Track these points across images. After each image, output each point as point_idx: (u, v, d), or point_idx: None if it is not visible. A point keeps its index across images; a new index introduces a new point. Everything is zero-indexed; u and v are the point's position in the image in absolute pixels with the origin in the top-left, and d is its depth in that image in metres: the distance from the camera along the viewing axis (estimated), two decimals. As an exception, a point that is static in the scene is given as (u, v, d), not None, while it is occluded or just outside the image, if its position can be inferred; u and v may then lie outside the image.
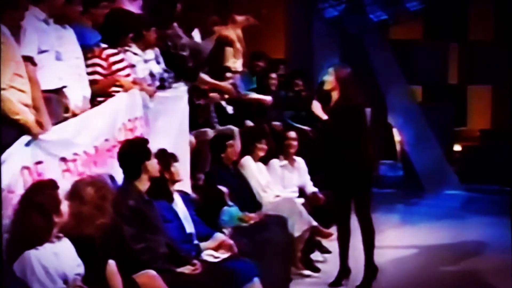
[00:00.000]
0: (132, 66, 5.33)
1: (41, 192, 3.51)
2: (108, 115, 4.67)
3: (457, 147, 12.48)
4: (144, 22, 5.54)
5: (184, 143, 5.48)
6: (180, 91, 5.58)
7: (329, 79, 5.84)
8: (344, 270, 6.06)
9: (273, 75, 7.97)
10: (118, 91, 4.87)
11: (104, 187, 3.89)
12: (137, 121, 4.94)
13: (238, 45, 8.01)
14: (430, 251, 7.33)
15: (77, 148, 4.27)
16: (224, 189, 5.57)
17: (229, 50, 7.74)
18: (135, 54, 5.47)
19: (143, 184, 4.36)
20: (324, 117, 5.81)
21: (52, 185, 3.59)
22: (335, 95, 5.84)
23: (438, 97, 13.40)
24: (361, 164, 5.73)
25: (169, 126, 5.34)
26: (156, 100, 5.23)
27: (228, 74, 7.57)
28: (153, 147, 4.59)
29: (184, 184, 5.25)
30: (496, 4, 13.49)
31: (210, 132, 6.38)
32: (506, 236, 7.79)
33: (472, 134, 13.12)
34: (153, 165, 4.41)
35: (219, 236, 4.88)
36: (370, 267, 5.92)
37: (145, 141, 4.52)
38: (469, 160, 11.97)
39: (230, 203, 5.52)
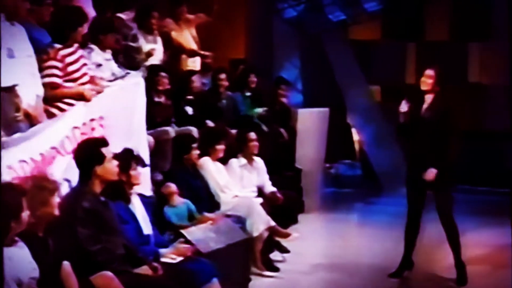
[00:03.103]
0: (99, 65, 5.36)
1: (6, 194, 3.44)
2: (57, 122, 4.62)
3: (415, 146, 12.62)
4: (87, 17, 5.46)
5: (142, 143, 5.44)
6: (133, 83, 5.49)
7: (428, 81, 5.90)
8: (407, 263, 6.19)
9: (222, 76, 7.97)
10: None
11: (45, 179, 3.85)
12: (95, 122, 4.89)
13: (193, 46, 8.01)
14: (389, 248, 7.40)
15: (24, 154, 4.22)
16: (173, 187, 5.53)
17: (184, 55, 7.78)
18: (99, 54, 5.48)
19: (97, 186, 4.30)
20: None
21: (19, 190, 3.53)
22: (430, 96, 5.94)
23: (396, 97, 13.53)
24: (445, 164, 5.85)
25: (126, 124, 5.28)
26: (111, 96, 5.15)
27: (194, 78, 7.60)
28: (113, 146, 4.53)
29: (144, 185, 5.22)
30: (451, 5, 13.73)
31: (172, 132, 6.36)
32: (462, 231, 7.97)
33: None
34: (106, 168, 4.29)
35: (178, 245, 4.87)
36: (459, 265, 6.01)
37: (98, 144, 4.36)
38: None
39: (178, 203, 5.51)
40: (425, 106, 5.91)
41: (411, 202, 6.07)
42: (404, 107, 5.94)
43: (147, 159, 5.25)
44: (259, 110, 8.30)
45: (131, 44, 6.81)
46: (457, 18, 13.80)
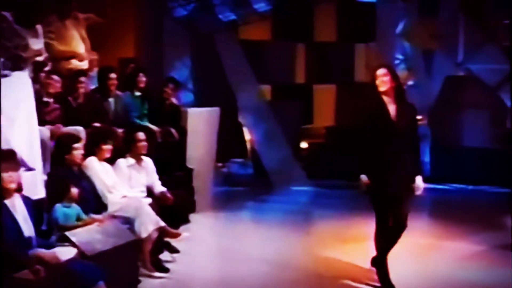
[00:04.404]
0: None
1: None
2: None
3: (304, 144, 12.92)
4: None
5: (33, 144, 5.24)
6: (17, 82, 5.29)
7: (384, 78, 5.55)
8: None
9: (113, 75, 7.83)
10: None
11: None
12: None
13: (81, 46, 7.83)
14: (281, 245, 7.52)
15: None
16: (74, 190, 5.39)
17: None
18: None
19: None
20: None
21: None
22: (390, 99, 5.58)
23: (286, 96, 13.80)
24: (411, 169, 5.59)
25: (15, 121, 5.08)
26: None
27: (82, 78, 7.42)
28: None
29: (32, 187, 5.03)
30: (338, 8, 14.15)
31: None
32: (359, 228, 8.23)
33: (318, 131, 13.64)
34: None
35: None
36: (380, 264, 5.83)
37: None
38: (316, 157, 12.43)
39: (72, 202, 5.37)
40: (392, 111, 5.56)
41: (380, 211, 5.73)
42: None
43: (35, 161, 5.07)
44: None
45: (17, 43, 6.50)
46: (344, 20, 14.26)
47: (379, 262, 5.83)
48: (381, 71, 5.58)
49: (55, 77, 7.03)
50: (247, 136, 12.41)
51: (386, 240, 5.77)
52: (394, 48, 12.85)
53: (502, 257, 6.89)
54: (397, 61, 13.08)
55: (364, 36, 13.76)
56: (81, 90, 7.40)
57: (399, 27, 12.70)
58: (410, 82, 13.22)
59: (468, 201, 10.41)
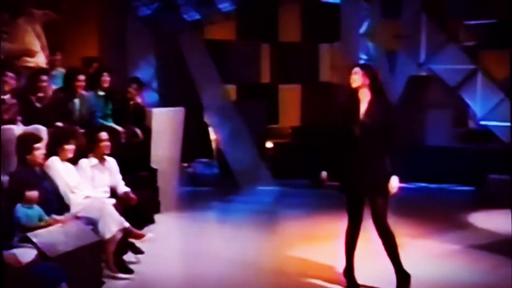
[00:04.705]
0: None
1: None
2: None
3: (270, 144, 12.95)
4: None
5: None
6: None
7: (355, 76, 5.48)
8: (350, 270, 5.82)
9: (81, 77, 7.75)
10: None
11: None
12: None
13: (36, 44, 7.72)
14: (247, 246, 7.52)
15: None
16: (33, 193, 5.31)
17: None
18: None
19: None
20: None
21: None
22: (364, 94, 5.51)
23: (251, 96, 13.82)
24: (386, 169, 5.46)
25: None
26: None
27: (44, 77, 7.31)
28: None
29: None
30: (303, 8, 14.22)
31: (17, 130, 6.07)
32: (324, 227, 8.28)
33: (284, 131, 13.69)
34: None
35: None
36: (400, 274, 5.61)
37: None
38: (281, 156, 12.47)
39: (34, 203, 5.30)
40: (362, 110, 5.50)
41: (351, 210, 5.68)
42: None
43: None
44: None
45: None
46: (309, 20, 14.33)
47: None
48: (354, 69, 5.59)
49: (10, 74, 6.92)
50: (213, 136, 12.40)
51: (350, 240, 5.75)
52: (358, 48, 12.94)
53: (473, 255, 7.00)
54: (361, 61, 13.19)
55: (329, 36, 13.84)
56: (44, 90, 7.30)
57: (363, 28, 12.80)
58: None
59: (432, 200, 10.55)
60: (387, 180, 5.48)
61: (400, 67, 12.45)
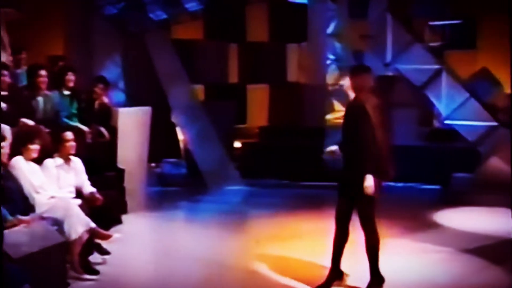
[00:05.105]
0: None
1: None
2: None
3: (238, 144, 12.95)
4: None
5: None
6: None
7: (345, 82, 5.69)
8: (336, 273, 5.79)
9: (43, 72, 7.65)
10: None
11: None
12: None
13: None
14: (215, 245, 7.51)
15: None
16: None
17: None
18: None
19: None
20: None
21: None
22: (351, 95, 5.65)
23: (219, 96, 13.81)
24: (363, 170, 5.46)
25: None
26: None
27: (5, 72, 7.20)
28: None
29: None
30: (270, 8, 14.26)
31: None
32: (293, 226, 8.31)
33: (252, 131, 13.71)
34: None
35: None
36: (376, 276, 5.66)
37: None
38: (249, 156, 12.48)
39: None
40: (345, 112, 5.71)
41: (339, 212, 5.76)
42: None
43: None
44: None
45: None
46: (276, 20, 14.38)
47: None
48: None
49: None
50: (181, 136, 12.34)
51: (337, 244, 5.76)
52: (325, 49, 13.01)
53: (441, 253, 7.07)
54: (328, 61, 13.27)
55: (296, 37, 13.90)
56: (5, 85, 7.17)
57: (330, 28, 12.87)
58: (342, 82, 13.41)
59: (398, 199, 10.64)
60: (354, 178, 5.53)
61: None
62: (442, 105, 11.09)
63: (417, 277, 6.18)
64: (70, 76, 8.11)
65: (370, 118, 5.46)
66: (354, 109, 5.59)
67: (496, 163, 10.02)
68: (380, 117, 5.52)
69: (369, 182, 5.49)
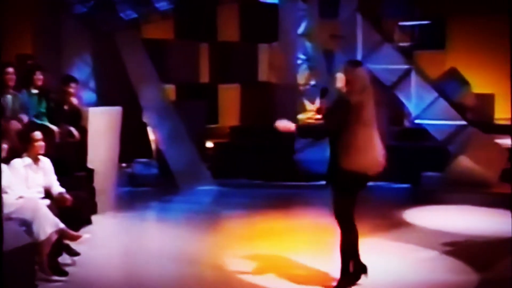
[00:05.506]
0: None
1: None
2: None
3: (209, 144, 12.92)
4: None
5: None
6: None
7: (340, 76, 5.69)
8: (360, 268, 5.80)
9: (10, 69, 7.55)
10: None
11: None
12: None
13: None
14: (186, 245, 7.48)
15: None
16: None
17: None
18: None
19: None
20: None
21: None
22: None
23: (190, 96, 13.77)
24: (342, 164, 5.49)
25: None
26: None
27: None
28: None
29: None
30: (241, 8, 14.28)
31: None
32: (264, 225, 8.31)
33: (224, 131, 13.70)
34: None
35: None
36: (345, 274, 5.70)
37: None
38: (221, 156, 12.46)
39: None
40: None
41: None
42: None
43: None
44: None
45: None
46: (247, 20, 14.40)
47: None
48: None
49: None
50: (152, 136, 12.27)
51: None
52: (296, 48, 13.07)
53: (413, 252, 7.14)
54: (299, 61, 13.33)
55: (267, 36, 13.93)
56: None
57: (301, 28, 12.93)
58: (313, 82, 13.51)
59: (369, 197, 10.69)
60: (339, 173, 5.56)
61: (338, 67, 12.60)
62: (411, 105, 11.19)
63: (385, 275, 6.22)
64: (39, 75, 8.02)
65: (347, 113, 5.47)
66: (337, 103, 5.65)
67: (464, 161, 10.14)
68: (364, 113, 5.54)
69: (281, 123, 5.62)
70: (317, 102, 5.92)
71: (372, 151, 5.64)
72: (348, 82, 5.63)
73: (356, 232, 5.71)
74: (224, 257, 6.91)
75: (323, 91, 5.99)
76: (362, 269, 5.85)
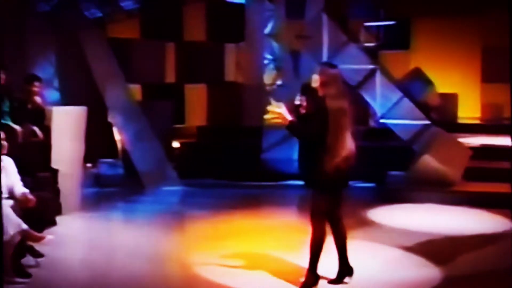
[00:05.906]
0: None
1: None
2: None
3: (176, 144, 12.88)
4: None
5: None
6: None
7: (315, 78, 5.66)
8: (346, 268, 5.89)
9: None
10: None
11: None
12: None
13: None
14: (152, 245, 7.44)
15: None
16: None
17: None
18: None
19: None
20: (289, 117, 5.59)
21: None
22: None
23: (157, 96, 13.70)
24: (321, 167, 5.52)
25: None
26: None
27: None
28: None
29: None
30: (208, 7, 14.25)
31: None
32: (231, 225, 8.30)
33: (190, 131, 13.66)
34: None
35: None
36: (312, 274, 5.73)
37: None
38: (187, 156, 12.42)
39: None
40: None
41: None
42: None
43: None
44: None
45: None
46: (213, 20, 14.38)
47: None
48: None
49: None
50: (118, 136, 12.17)
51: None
52: (263, 48, 13.09)
53: (378, 250, 7.20)
54: (266, 61, 13.35)
55: (234, 36, 13.93)
56: None
57: (268, 28, 12.96)
58: (279, 82, 13.55)
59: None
60: (322, 175, 5.58)
61: (304, 67, 12.66)
62: (377, 105, 11.30)
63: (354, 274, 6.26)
64: (1, 74, 7.91)
65: (326, 121, 5.49)
66: (317, 111, 5.64)
67: (429, 160, 10.26)
68: (345, 118, 5.60)
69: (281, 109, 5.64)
70: (297, 100, 5.83)
71: (348, 148, 5.76)
72: (323, 84, 5.63)
73: (325, 233, 5.75)
74: (191, 257, 6.89)
75: (304, 88, 5.95)
76: (348, 270, 5.92)
